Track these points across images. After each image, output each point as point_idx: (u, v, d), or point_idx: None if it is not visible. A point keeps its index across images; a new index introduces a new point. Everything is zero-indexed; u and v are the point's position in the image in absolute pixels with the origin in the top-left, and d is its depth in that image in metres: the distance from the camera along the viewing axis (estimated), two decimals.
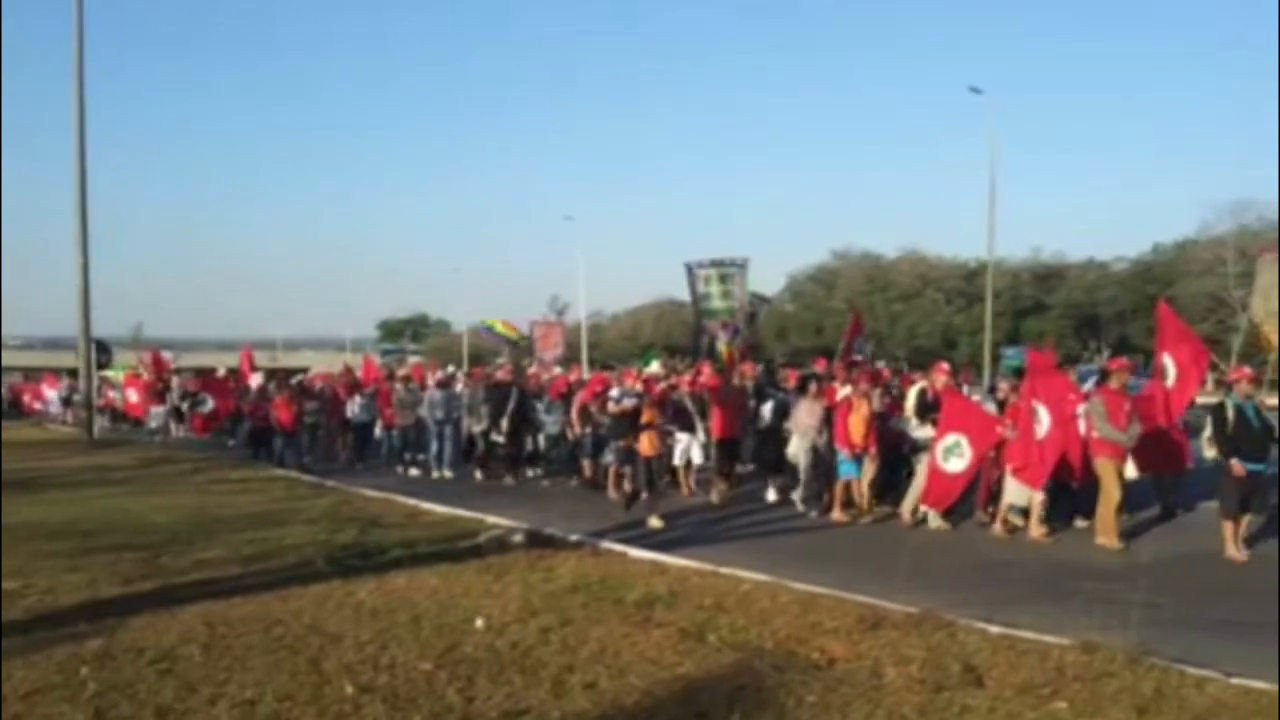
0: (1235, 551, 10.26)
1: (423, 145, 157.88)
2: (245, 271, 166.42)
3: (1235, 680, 5.89)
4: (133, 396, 30.71)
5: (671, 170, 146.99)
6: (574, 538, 10.85)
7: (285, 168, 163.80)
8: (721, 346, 15.95)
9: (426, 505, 13.47)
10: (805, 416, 13.35)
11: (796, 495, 13.46)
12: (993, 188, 43.45)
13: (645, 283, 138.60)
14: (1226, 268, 53.82)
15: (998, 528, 11.66)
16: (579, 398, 16.56)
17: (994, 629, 7.01)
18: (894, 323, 66.02)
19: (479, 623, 7.19)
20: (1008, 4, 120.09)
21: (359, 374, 23.77)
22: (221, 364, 36.27)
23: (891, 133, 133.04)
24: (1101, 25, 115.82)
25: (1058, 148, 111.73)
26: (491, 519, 12.05)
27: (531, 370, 21.55)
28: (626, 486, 13.75)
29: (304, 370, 29.95)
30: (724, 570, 9.12)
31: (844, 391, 13.47)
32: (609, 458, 15.49)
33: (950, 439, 11.86)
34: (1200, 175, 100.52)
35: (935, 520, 12.05)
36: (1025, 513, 11.66)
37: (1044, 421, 11.26)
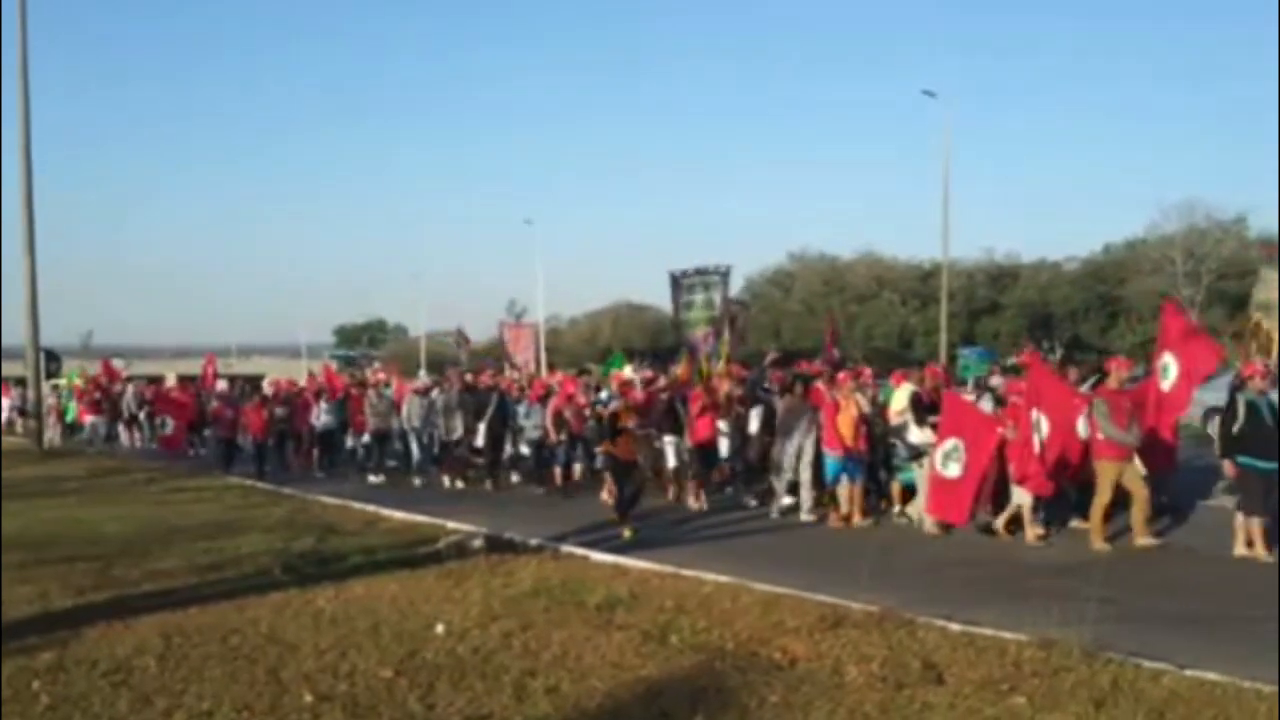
0: (1245, 549, 10.03)
1: (378, 148, 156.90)
2: (197, 278, 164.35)
3: (1189, 672, 5.96)
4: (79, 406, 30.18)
5: (630, 174, 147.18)
6: (534, 542, 10.80)
7: (239, 171, 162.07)
8: (702, 354, 15.83)
9: (385, 511, 13.36)
10: (790, 418, 13.16)
11: (794, 501, 13.10)
12: (946, 189, 43.87)
13: (603, 286, 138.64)
14: (1175, 266, 54.68)
15: (999, 524, 11.43)
16: (553, 403, 16.41)
17: (954, 627, 7.06)
18: (851, 324, 66.36)
19: (439, 628, 7.14)
20: (959, 6, 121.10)
21: (321, 380, 23.49)
22: (173, 371, 35.81)
23: (846, 135, 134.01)
24: (1052, 27, 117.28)
25: (1009, 149, 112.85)
26: (451, 524, 11.97)
27: (505, 374, 21.34)
28: (607, 493, 13.66)
29: (260, 377, 29.55)
30: (685, 572, 9.12)
31: (830, 392, 13.20)
32: (579, 464, 15.50)
33: (949, 444, 11.44)
34: (1150, 176, 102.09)
35: (930, 526, 11.80)
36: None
37: (1043, 429, 11.01)
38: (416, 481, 17.77)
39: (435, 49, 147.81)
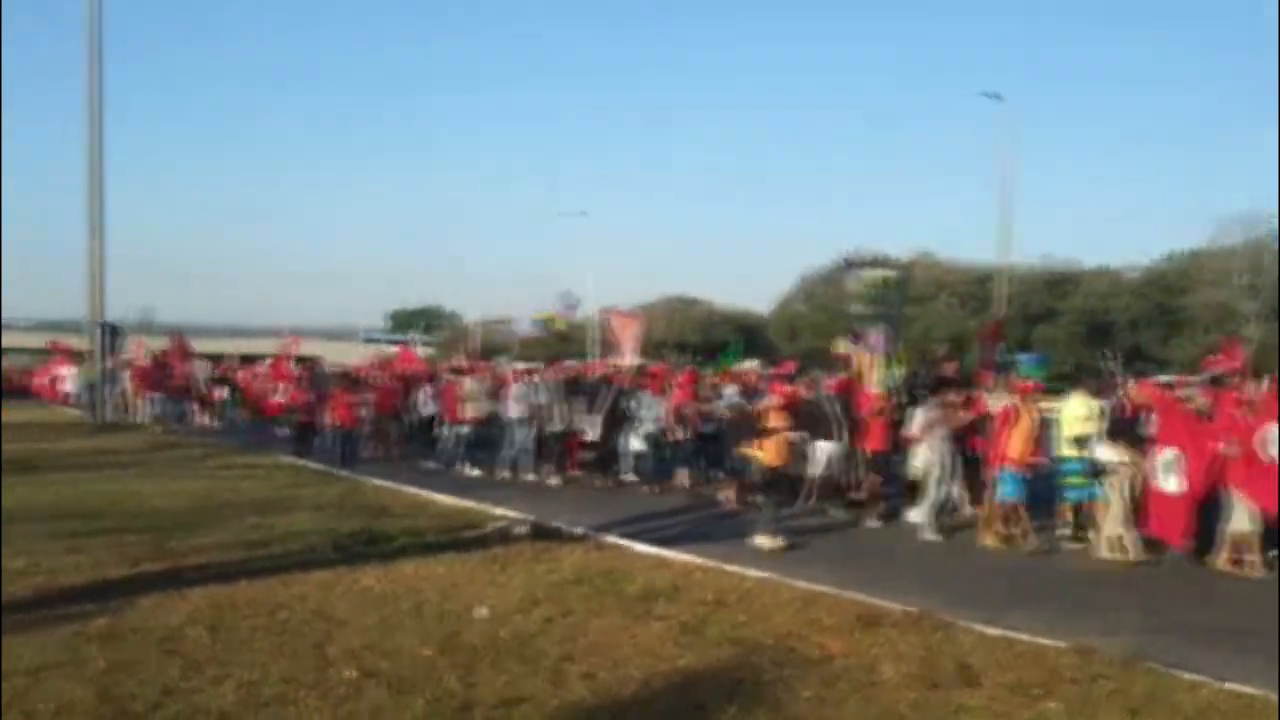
0: None
1: (436, 137, 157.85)
2: (254, 257, 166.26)
3: (1228, 685, 5.92)
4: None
5: (683, 167, 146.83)
6: (579, 530, 10.92)
7: (295, 154, 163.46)
8: (876, 354, 13.82)
9: (435, 496, 13.54)
10: (939, 428, 12.05)
11: (918, 515, 12.06)
12: (1006, 193, 43.46)
13: (655, 280, 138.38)
14: (1240, 279, 53.67)
15: (1222, 560, 10.04)
16: (673, 398, 15.58)
17: (992, 630, 7.06)
18: (908, 326, 66.02)
19: (481, 611, 7.27)
20: (1023, 9, 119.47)
21: (399, 365, 22.86)
22: (232, 349, 36.05)
23: (906, 137, 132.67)
24: (1118, 32, 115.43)
25: (1072, 154, 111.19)
26: (499, 510, 12.12)
27: (610, 364, 20.21)
28: (745, 498, 12.85)
29: (314, 359, 29.65)
30: (727, 567, 9.18)
31: (994, 400, 12.20)
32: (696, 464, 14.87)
33: (1168, 453, 10.35)
34: (1213, 186, 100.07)
35: (1136, 552, 10.43)
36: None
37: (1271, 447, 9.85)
38: (517, 475, 16.55)
39: (496, 39, 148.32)
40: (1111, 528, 10.68)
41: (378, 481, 15.10)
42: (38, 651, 6.11)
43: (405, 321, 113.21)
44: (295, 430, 20.21)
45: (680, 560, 9.53)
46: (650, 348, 28.26)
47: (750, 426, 11.67)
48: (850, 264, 16.27)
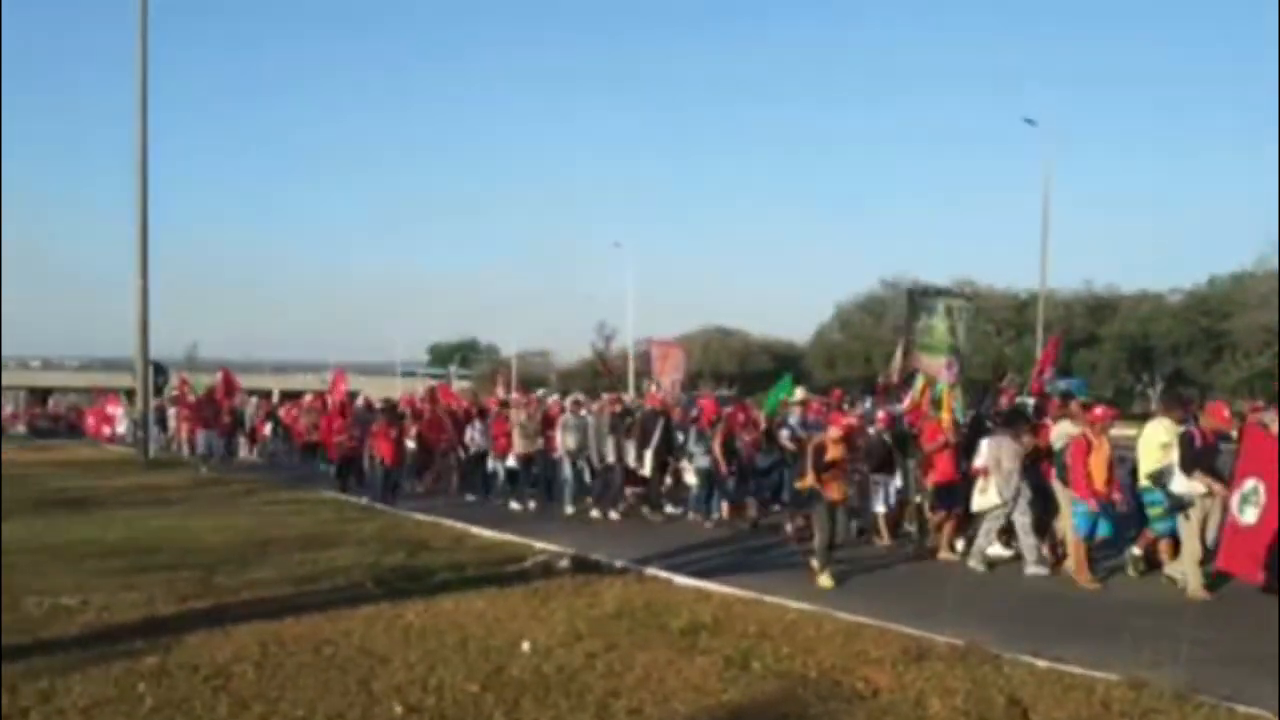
0: None
1: (469, 168, 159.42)
2: (295, 293, 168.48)
3: None
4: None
5: (717, 198, 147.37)
6: (619, 563, 10.91)
7: (331, 189, 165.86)
8: (943, 387, 13.48)
9: (474, 530, 13.59)
10: (1007, 459, 11.52)
11: (981, 547, 11.63)
12: (1046, 218, 43.22)
13: (691, 311, 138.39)
14: None
15: None
16: (721, 430, 15.29)
17: (1041, 663, 6.97)
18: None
19: (525, 646, 7.27)
20: (1061, 36, 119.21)
21: (453, 399, 22.54)
22: (276, 386, 36.31)
23: (943, 161, 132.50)
24: (1156, 55, 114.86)
25: (1112, 178, 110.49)
26: (539, 544, 12.14)
27: (653, 394, 19.77)
28: (801, 534, 12.67)
29: (355, 394, 29.86)
30: (768, 599, 9.14)
31: (1063, 429, 11.68)
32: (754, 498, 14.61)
33: (1248, 485, 9.74)
34: (1258, 206, 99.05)
35: (1196, 589, 10.05)
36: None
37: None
38: (565, 509, 16.31)
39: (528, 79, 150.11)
40: (1180, 566, 10.39)
41: (419, 516, 15.18)
42: (89, 689, 6.18)
43: (444, 355, 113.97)
44: (341, 465, 19.95)
45: (722, 593, 9.49)
46: (688, 378, 28.21)
47: (812, 458, 11.24)
48: (918, 294, 15.67)
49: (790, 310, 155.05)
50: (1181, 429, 10.74)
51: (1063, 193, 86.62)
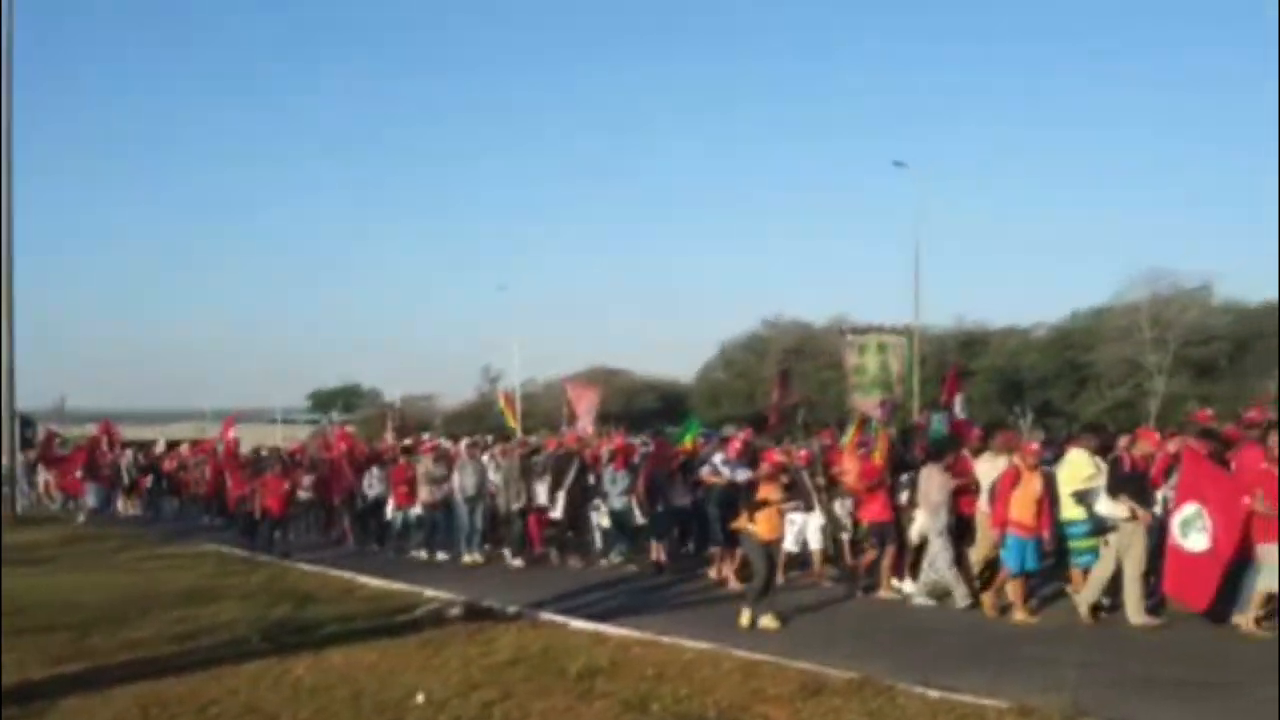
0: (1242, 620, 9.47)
1: (348, 214, 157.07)
2: (168, 341, 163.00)
3: None
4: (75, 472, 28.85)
5: (604, 239, 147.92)
6: (512, 609, 10.78)
7: (205, 233, 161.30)
8: (877, 427, 13.34)
9: (361, 579, 13.29)
10: (936, 492, 11.52)
11: (913, 588, 11.73)
12: (918, 257, 44.57)
13: (576, 351, 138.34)
14: (1142, 333, 55.40)
15: (1248, 623, 9.59)
16: (645, 470, 15.00)
17: (933, 693, 7.11)
18: (824, 390, 66.80)
19: (419, 698, 7.13)
20: (928, 82, 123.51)
21: (336, 443, 21.62)
22: (163, 437, 34.94)
23: (820, 204, 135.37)
24: (1019, 100, 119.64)
25: (978, 217, 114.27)
26: (429, 592, 11.93)
27: (570, 435, 19.52)
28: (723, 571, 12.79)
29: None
30: (665, 639, 9.12)
31: (989, 462, 11.55)
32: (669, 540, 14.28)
33: (1189, 509, 9.82)
34: (1116, 245, 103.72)
35: (1139, 617, 10.03)
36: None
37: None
38: (469, 559, 15.83)
39: (415, 113, 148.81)
40: (1089, 594, 10.43)
41: (305, 566, 14.80)
42: None
43: (325, 401, 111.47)
44: (244, 519, 19.06)
45: (619, 635, 9.46)
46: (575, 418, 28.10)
47: (739, 497, 11.24)
48: (847, 332, 15.65)
49: (673, 350, 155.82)
50: (1110, 455, 10.92)
51: (934, 230, 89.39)
